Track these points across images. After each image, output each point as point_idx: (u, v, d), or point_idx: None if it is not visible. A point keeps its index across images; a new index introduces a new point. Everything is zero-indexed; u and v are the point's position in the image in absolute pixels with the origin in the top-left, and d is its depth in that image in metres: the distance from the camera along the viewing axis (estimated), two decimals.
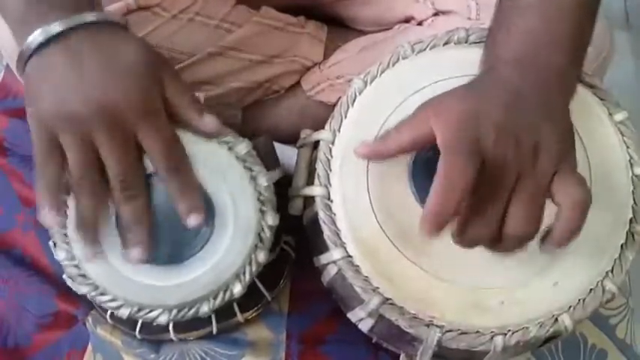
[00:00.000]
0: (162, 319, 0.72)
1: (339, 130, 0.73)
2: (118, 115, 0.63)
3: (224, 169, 0.72)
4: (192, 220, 0.67)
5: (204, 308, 0.72)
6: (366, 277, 0.69)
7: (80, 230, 0.66)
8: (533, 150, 0.60)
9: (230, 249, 0.71)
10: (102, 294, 0.72)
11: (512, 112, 0.61)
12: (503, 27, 0.67)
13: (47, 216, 0.63)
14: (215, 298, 0.72)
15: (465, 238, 0.62)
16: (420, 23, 0.95)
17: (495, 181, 0.60)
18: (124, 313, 0.72)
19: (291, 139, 0.85)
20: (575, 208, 0.61)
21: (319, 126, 0.76)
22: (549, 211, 0.62)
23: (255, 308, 0.84)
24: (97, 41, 0.64)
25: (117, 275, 0.71)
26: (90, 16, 0.64)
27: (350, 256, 0.70)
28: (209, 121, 0.69)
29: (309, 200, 0.74)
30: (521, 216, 0.61)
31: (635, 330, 0.95)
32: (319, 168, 0.72)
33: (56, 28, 0.62)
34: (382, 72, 0.74)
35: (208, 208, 0.70)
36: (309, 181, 0.75)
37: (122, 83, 0.63)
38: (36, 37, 0.62)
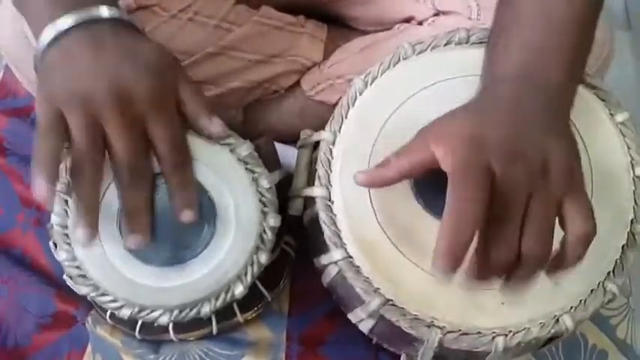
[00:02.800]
0: (164, 320, 0.72)
1: (339, 131, 0.73)
2: (131, 101, 0.63)
3: (226, 171, 0.72)
4: (186, 216, 0.67)
5: (206, 309, 0.72)
6: (367, 277, 0.69)
7: (78, 211, 0.64)
8: (542, 167, 0.59)
9: (232, 250, 0.71)
10: (103, 295, 0.72)
11: (516, 131, 0.60)
12: (501, 42, 0.66)
13: (41, 187, 0.61)
14: (216, 299, 0.72)
15: (485, 268, 0.59)
16: (420, 23, 0.94)
17: (508, 203, 0.58)
18: (125, 313, 0.72)
19: (292, 139, 0.85)
20: (581, 240, 0.60)
21: (319, 126, 0.76)
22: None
23: (256, 308, 0.84)
24: (114, 34, 0.65)
25: (118, 276, 0.71)
26: (106, 12, 0.65)
27: (351, 257, 0.70)
28: (217, 125, 0.69)
29: (310, 201, 0.75)
30: (537, 234, 0.59)
31: (636, 330, 0.95)
32: (320, 169, 0.72)
33: (68, 22, 0.63)
34: (383, 72, 0.74)
35: (210, 210, 0.71)
36: (310, 182, 0.76)
37: (138, 72, 0.64)
38: (49, 31, 0.63)
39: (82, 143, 0.62)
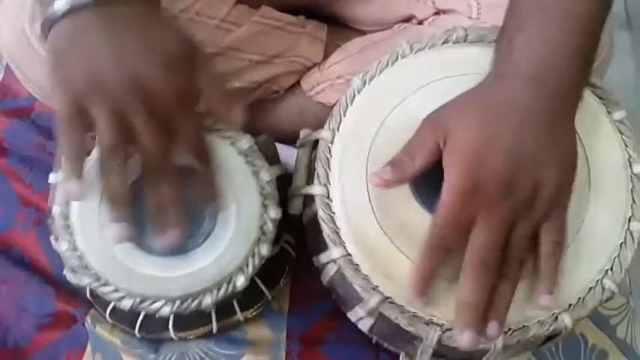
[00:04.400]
0: (165, 311, 0.72)
1: (338, 129, 0.73)
2: (156, 98, 0.62)
3: (227, 164, 0.72)
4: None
5: (207, 300, 0.72)
6: (366, 275, 0.69)
7: (113, 209, 0.64)
8: (531, 200, 0.62)
9: (233, 241, 0.72)
10: (104, 285, 0.72)
11: (518, 154, 0.62)
12: (520, 29, 0.66)
13: (74, 186, 0.63)
14: (218, 289, 0.72)
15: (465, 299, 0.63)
16: (420, 22, 0.95)
17: (490, 236, 0.62)
18: (126, 304, 0.72)
19: (291, 139, 0.85)
20: (553, 259, 0.65)
21: (319, 126, 0.76)
22: None
23: (256, 307, 0.84)
24: (133, 18, 0.64)
25: (120, 266, 0.71)
26: None
27: (349, 255, 0.70)
28: (238, 113, 0.69)
29: (309, 199, 0.75)
30: (512, 269, 0.63)
31: (636, 330, 0.95)
32: (319, 167, 0.73)
33: None
34: (381, 71, 0.75)
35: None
36: (309, 181, 0.76)
37: (160, 64, 0.63)
38: (62, 3, 0.62)
39: (110, 134, 0.62)
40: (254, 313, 0.85)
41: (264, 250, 0.73)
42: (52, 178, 0.74)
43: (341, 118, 0.73)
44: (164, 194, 0.65)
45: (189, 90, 0.65)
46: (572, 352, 0.92)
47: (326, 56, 0.99)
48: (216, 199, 0.69)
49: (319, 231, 0.72)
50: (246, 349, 0.87)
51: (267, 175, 0.73)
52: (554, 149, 0.63)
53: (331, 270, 0.72)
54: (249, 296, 0.76)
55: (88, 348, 0.92)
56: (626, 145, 0.72)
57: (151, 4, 0.66)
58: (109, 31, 0.62)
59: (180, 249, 0.71)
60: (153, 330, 0.80)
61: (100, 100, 0.61)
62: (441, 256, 0.64)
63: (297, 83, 0.99)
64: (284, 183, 0.78)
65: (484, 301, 0.62)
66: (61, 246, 0.73)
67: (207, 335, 0.84)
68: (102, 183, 0.64)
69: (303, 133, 0.79)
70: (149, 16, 0.65)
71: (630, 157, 0.72)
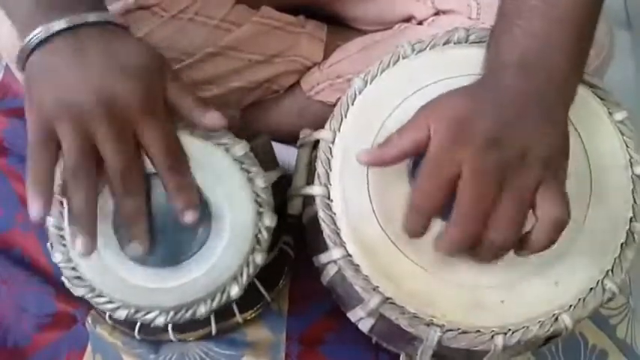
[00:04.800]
0: (160, 321, 0.72)
1: (339, 130, 0.73)
2: (119, 109, 0.63)
3: (221, 171, 0.72)
4: (188, 217, 0.67)
5: (202, 310, 0.72)
6: (366, 276, 0.69)
7: (76, 223, 0.65)
8: (519, 157, 0.61)
9: (227, 251, 0.71)
10: (98, 296, 0.72)
11: (502, 119, 0.62)
12: (506, 29, 0.66)
13: (34, 208, 0.62)
14: (212, 299, 0.72)
15: (445, 242, 0.63)
16: (420, 23, 0.94)
17: (476, 190, 0.61)
18: (120, 314, 0.72)
19: (291, 139, 0.85)
20: (550, 226, 0.61)
21: (319, 125, 0.76)
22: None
23: (255, 309, 0.84)
24: (101, 38, 0.65)
25: (113, 277, 0.71)
26: (93, 16, 0.65)
27: (350, 255, 0.69)
28: (214, 117, 0.69)
29: (309, 199, 0.74)
30: (502, 219, 0.61)
31: (636, 330, 0.95)
32: (319, 167, 0.72)
33: (60, 24, 0.63)
34: (382, 71, 0.74)
35: (205, 210, 0.70)
36: (309, 181, 0.75)
37: (125, 79, 0.64)
38: (38, 33, 0.63)
39: (74, 154, 0.63)
40: (253, 315, 0.85)
41: (259, 259, 0.72)
42: None
43: (342, 118, 0.73)
44: (129, 206, 0.66)
45: (153, 98, 0.66)
46: (572, 352, 0.92)
47: (326, 56, 0.98)
48: (195, 207, 0.68)
49: (319, 231, 0.71)
50: (246, 349, 0.87)
51: (262, 181, 0.73)
52: (543, 125, 0.62)
53: (331, 270, 0.72)
54: (248, 298, 0.76)
55: (89, 348, 0.92)
56: (627, 146, 0.72)
57: (118, 26, 0.68)
58: (74, 53, 0.64)
59: (173, 260, 0.71)
60: (153, 332, 0.80)
61: (65, 118, 0.62)
62: (428, 220, 0.64)
63: (297, 83, 0.99)
64: (283, 184, 0.78)
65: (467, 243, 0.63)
66: (56, 257, 0.73)
67: (207, 336, 0.83)
68: (68, 198, 0.65)
69: (303, 133, 0.79)
70: (116, 35, 0.67)
71: (631, 157, 0.72)
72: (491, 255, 0.63)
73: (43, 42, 0.63)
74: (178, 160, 0.68)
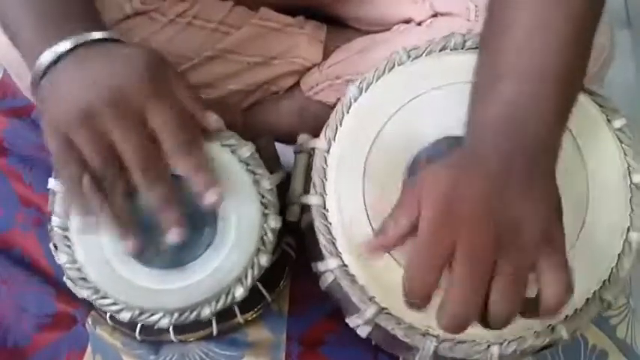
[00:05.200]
0: (164, 323, 0.72)
1: (334, 139, 0.73)
2: (126, 101, 0.63)
3: (227, 173, 0.71)
4: (211, 197, 0.66)
5: (206, 311, 0.72)
6: (362, 286, 0.69)
7: (117, 226, 0.65)
8: (513, 230, 0.58)
9: (232, 252, 0.71)
10: (103, 297, 0.72)
11: (493, 193, 0.59)
12: (485, 92, 0.64)
13: (81, 220, 0.65)
14: (217, 301, 0.72)
15: (444, 317, 0.59)
16: (419, 24, 0.94)
17: (471, 266, 0.58)
18: (124, 316, 0.72)
19: (291, 139, 0.85)
20: (553, 302, 0.59)
21: (319, 126, 0.76)
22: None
23: (256, 309, 0.84)
24: (102, 49, 0.66)
25: (118, 279, 0.71)
26: (96, 34, 0.66)
27: (346, 266, 0.70)
28: (213, 119, 0.69)
29: (306, 206, 0.74)
30: (501, 292, 0.58)
31: (636, 330, 0.95)
32: (315, 177, 0.72)
33: (65, 45, 0.64)
34: (378, 79, 0.74)
35: (211, 212, 0.70)
36: (306, 188, 0.75)
37: (128, 73, 0.64)
38: (45, 57, 0.64)
39: (96, 159, 0.63)
40: (254, 316, 0.84)
41: (264, 260, 0.72)
42: (52, 183, 0.74)
43: (337, 127, 0.73)
44: (155, 196, 0.65)
45: (160, 85, 0.66)
46: (572, 352, 0.92)
47: (325, 57, 0.98)
48: (215, 186, 0.67)
49: (316, 239, 0.71)
50: (247, 350, 0.87)
51: (267, 183, 0.73)
52: (533, 190, 0.60)
53: (328, 278, 0.72)
54: (249, 299, 0.76)
55: (89, 349, 0.92)
56: (625, 154, 0.72)
57: (120, 41, 0.69)
58: (79, 67, 0.64)
59: (178, 261, 0.71)
60: (153, 333, 0.80)
61: (78, 126, 0.63)
62: (425, 299, 0.60)
63: (297, 84, 0.99)
64: (284, 187, 0.78)
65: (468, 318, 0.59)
66: (60, 258, 0.73)
67: (208, 338, 0.83)
68: (102, 204, 0.65)
69: (300, 139, 0.78)
70: (116, 44, 0.68)
71: (630, 166, 0.72)
72: (496, 327, 0.60)
73: (51, 65, 0.64)
74: (191, 138, 0.67)
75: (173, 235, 0.66)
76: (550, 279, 0.58)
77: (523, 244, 0.58)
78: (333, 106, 0.76)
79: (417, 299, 0.59)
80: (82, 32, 0.65)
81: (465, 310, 0.58)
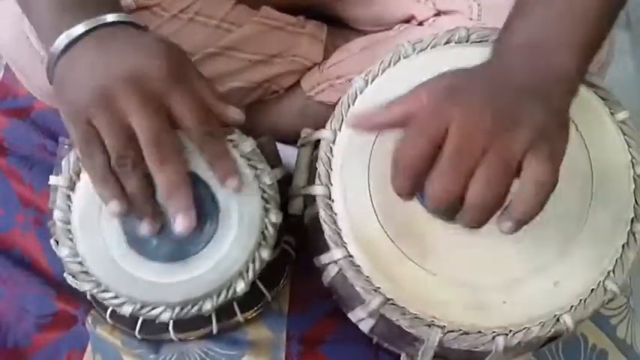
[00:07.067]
0: (165, 317, 0.72)
1: (339, 129, 0.73)
2: (146, 83, 0.63)
3: None
4: (231, 183, 0.69)
5: (207, 306, 0.72)
6: (367, 277, 0.69)
7: (138, 209, 0.66)
8: (509, 123, 0.58)
9: (234, 246, 0.71)
10: (104, 291, 0.72)
11: (501, 90, 0.60)
12: (522, 14, 0.66)
13: (113, 206, 0.65)
14: (218, 295, 0.72)
15: (429, 192, 0.59)
16: (420, 23, 0.94)
17: (461, 143, 0.58)
18: (126, 310, 0.72)
19: (292, 139, 0.85)
20: (532, 187, 0.58)
21: (320, 125, 0.76)
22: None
23: (256, 308, 0.84)
24: (121, 34, 0.67)
25: (120, 272, 0.71)
26: (111, 17, 0.67)
27: (351, 256, 0.69)
28: (235, 112, 0.70)
29: (310, 199, 0.74)
30: (483, 180, 0.57)
31: (636, 330, 0.95)
32: (320, 167, 0.72)
33: (80, 29, 0.65)
34: (383, 71, 0.74)
35: (213, 206, 0.71)
36: (310, 181, 0.76)
37: (149, 56, 0.65)
38: (62, 40, 0.65)
39: (115, 140, 0.63)
40: (254, 314, 0.85)
41: (265, 254, 0.72)
42: (53, 179, 0.74)
43: (343, 118, 0.73)
44: (167, 177, 0.65)
45: (180, 71, 0.66)
46: (572, 352, 0.92)
47: (326, 56, 0.99)
48: (235, 174, 0.69)
49: (320, 231, 0.71)
50: (247, 349, 0.87)
51: (268, 178, 0.73)
52: (541, 104, 0.60)
53: (332, 271, 0.72)
54: (249, 297, 0.76)
55: (89, 348, 0.92)
56: (629, 146, 0.72)
57: (138, 27, 0.69)
58: (96, 49, 0.65)
59: (180, 255, 0.71)
60: (153, 331, 0.80)
61: (97, 106, 0.63)
62: (413, 181, 0.60)
63: (297, 83, 0.99)
64: (284, 183, 0.78)
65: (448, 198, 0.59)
66: (62, 251, 0.73)
67: (208, 336, 0.84)
68: (125, 186, 0.65)
69: (304, 133, 0.79)
70: (134, 30, 0.68)
71: (633, 157, 0.72)
72: (472, 218, 0.59)
73: (66, 49, 0.65)
74: (213, 130, 0.68)
75: (179, 224, 0.66)
76: (533, 166, 0.58)
77: (515, 136, 0.58)
78: (334, 104, 0.76)
79: (403, 178, 0.59)
80: (95, 16, 0.65)
81: (451, 187, 0.58)
